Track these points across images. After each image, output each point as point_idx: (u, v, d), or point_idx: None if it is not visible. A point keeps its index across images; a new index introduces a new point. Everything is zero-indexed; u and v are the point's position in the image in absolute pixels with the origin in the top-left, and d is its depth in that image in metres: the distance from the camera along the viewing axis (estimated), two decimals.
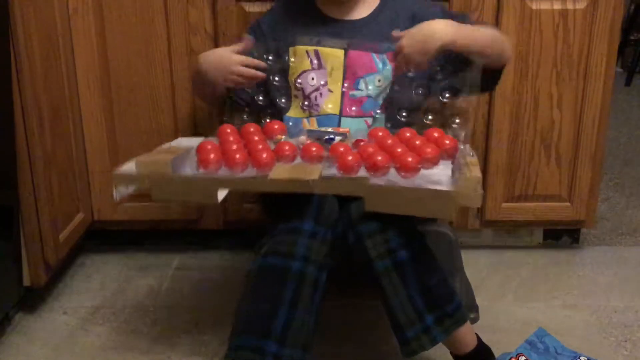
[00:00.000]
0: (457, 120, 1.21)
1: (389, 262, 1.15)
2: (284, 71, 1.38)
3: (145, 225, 1.78)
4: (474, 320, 1.46)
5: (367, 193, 1.07)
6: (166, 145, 1.27)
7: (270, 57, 1.37)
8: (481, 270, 1.74)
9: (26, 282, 1.47)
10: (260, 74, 1.32)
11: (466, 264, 1.44)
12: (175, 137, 1.66)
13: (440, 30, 1.21)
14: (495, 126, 1.67)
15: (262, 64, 1.32)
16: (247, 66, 1.31)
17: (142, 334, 1.47)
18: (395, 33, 1.25)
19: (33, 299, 1.55)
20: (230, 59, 1.31)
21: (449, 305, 1.19)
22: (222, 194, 1.10)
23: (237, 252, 1.83)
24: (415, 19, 1.31)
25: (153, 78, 1.65)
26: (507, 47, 1.32)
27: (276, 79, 1.38)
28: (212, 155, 1.15)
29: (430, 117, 1.25)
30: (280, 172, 1.08)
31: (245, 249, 1.79)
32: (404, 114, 1.30)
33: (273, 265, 1.13)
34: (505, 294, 1.64)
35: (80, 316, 1.54)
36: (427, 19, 1.25)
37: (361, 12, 1.38)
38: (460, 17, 1.32)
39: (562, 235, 1.88)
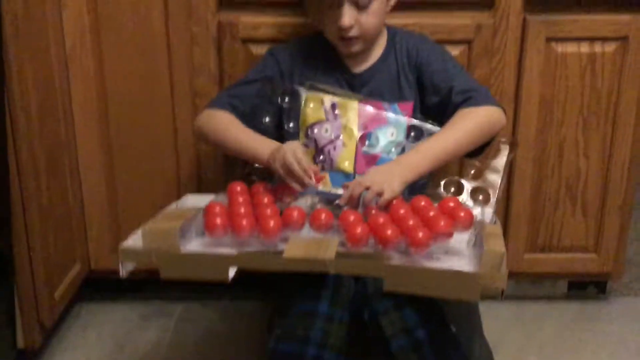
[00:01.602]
0: (481, 197, 1.23)
1: (406, 342, 1.17)
2: (298, 117, 1.42)
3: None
4: None
5: (386, 274, 1.09)
6: (172, 207, 1.31)
7: (287, 99, 1.41)
8: (502, 324, 1.77)
9: (20, 344, 1.50)
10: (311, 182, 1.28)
11: (486, 316, 1.45)
12: (177, 181, 1.72)
13: (386, 179, 1.24)
14: (517, 173, 1.70)
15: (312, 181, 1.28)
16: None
17: None
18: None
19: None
20: (294, 147, 1.29)
21: None
22: (233, 270, 1.13)
23: (241, 300, 1.86)
24: (420, 69, 1.40)
25: (154, 120, 1.68)
26: (493, 125, 1.35)
27: (291, 125, 1.41)
28: (218, 220, 1.19)
29: (452, 190, 1.28)
30: (294, 250, 1.10)
31: (250, 298, 1.82)
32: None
33: (287, 352, 1.15)
34: (527, 355, 1.67)
35: None
36: (430, 69, 1.36)
37: (368, 62, 1.43)
38: (457, 68, 1.41)
39: (587, 285, 1.91)
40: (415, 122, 1.38)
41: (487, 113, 1.34)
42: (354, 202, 1.23)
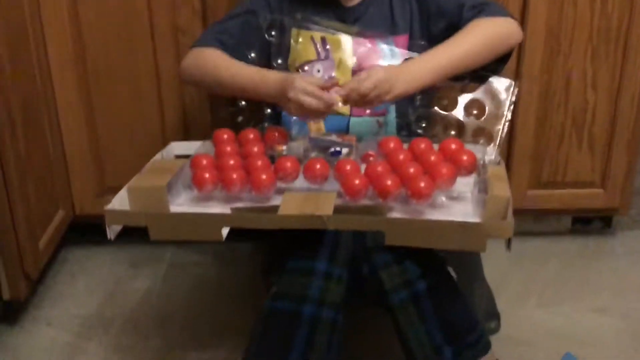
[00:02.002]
0: (481, 141, 1.19)
1: (406, 295, 1.15)
2: (286, 53, 1.35)
3: None
4: (494, 331, 1.49)
5: (387, 228, 1.07)
6: (157, 158, 1.27)
7: (273, 33, 1.34)
8: (503, 264, 1.76)
9: (5, 296, 1.49)
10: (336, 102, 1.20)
11: (486, 256, 1.40)
12: (162, 129, 1.68)
13: (390, 82, 1.18)
14: (521, 107, 1.66)
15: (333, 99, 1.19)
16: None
17: (135, 352, 1.51)
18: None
19: (14, 311, 1.58)
20: (299, 78, 1.20)
21: (471, 335, 1.21)
22: (226, 230, 1.10)
23: (232, 242, 1.84)
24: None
25: (134, 60, 1.63)
26: (506, 37, 1.27)
27: (279, 61, 1.35)
28: (206, 175, 1.15)
29: (452, 133, 1.23)
30: (290, 206, 1.07)
31: (242, 240, 1.80)
32: (421, 124, 1.28)
33: (283, 310, 1.14)
34: (528, 296, 1.67)
35: (66, 328, 1.57)
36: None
37: None
38: None
39: (592, 220, 1.89)
40: (413, 54, 1.31)
41: (499, 23, 1.27)
42: (354, 99, 1.18)
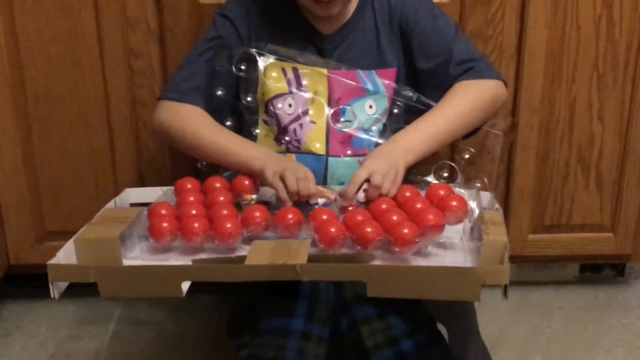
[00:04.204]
0: (478, 184, 1.23)
1: (390, 355, 1.16)
2: (256, 87, 1.40)
3: None
4: None
5: (368, 277, 1.09)
6: (110, 205, 1.29)
7: (243, 67, 1.38)
8: (502, 317, 1.80)
9: None
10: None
11: (483, 308, 1.45)
12: (112, 163, 1.70)
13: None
14: (520, 142, 1.71)
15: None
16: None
17: None
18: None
19: None
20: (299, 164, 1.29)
21: None
22: (187, 284, 1.12)
23: (194, 294, 1.85)
24: (405, 29, 1.38)
25: (80, 88, 1.65)
26: (494, 101, 1.37)
27: (249, 98, 1.40)
28: (165, 224, 1.18)
29: (445, 175, 1.28)
30: (259, 255, 1.10)
31: (203, 291, 1.82)
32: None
33: None
34: (530, 354, 1.69)
35: None
36: (419, 28, 1.37)
37: (339, 20, 1.40)
38: (450, 26, 1.39)
39: (603, 268, 1.94)
40: (400, 92, 1.37)
41: (490, 86, 1.36)
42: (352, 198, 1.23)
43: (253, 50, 1.38)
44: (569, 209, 1.78)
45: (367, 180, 1.22)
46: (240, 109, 1.40)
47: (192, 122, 1.36)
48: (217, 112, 1.38)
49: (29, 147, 1.69)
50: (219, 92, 1.38)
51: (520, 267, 1.91)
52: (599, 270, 1.94)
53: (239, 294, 1.32)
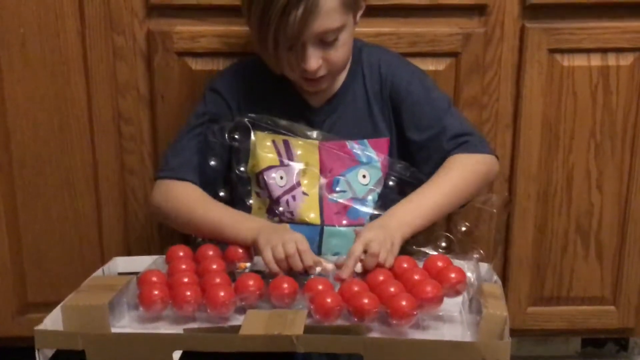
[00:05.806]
0: (476, 255, 1.25)
1: None
2: (247, 157, 1.43)
3: None
4: None
5: (365, 349, 1.10)
6: (98, 274, 1.30)
7: (235, 136, 1.41)
8: None
9: None
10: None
11: None
12: (99, 231, 1.71)
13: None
14: (517, 211, 1.73)
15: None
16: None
17: None
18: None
19: None
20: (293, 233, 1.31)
21: None
22: (178, 354, 1.13)
23: None
24: (397, 99, 1.43)
25: (68, 153, 1.67)
26: (487, 175, 1.43)
27: (241, 168, 1.42)
28: (156, 292, 1.19)
29: (443, 245, 1.30)
30: (253, 325, 1.11)
31: None
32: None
33: None
34: None
35: None
36: (410, 100, 1.41)
37: (328, 90, 1.44)
38: (442, 99, 1.45)
39: (605, 342, 1.94)
40: (395, 166, 1.41)
41: (485, 161, 1.41)
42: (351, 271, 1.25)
43: (246, 120, 1.42)
44: (569, 280, 1.79)
45: (364, 251, 1.24)
46: (234, 180, 1.43)
47: (185, 199, 1.40)
48: (211, 183, 1.42)
49: (12, 214, 1.70)
50: (212, 162, 1.41)
51: (520, 341, 1.91)
52: (602, 345, 1.95)
53: None
